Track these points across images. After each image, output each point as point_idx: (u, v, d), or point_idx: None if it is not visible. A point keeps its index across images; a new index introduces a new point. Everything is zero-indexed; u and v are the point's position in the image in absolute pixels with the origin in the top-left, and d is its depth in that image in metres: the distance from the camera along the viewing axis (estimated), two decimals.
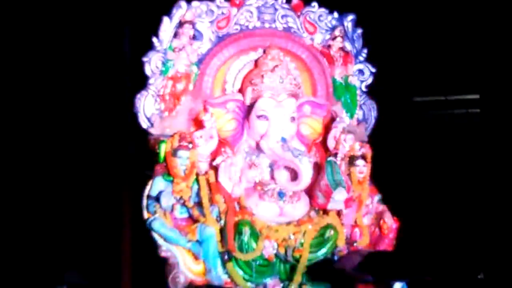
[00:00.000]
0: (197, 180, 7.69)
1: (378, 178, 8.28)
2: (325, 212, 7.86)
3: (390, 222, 8.06)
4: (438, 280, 7.15)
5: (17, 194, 10.02)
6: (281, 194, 7.76)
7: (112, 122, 9.06)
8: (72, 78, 9.81)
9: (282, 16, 8.35)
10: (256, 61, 8.14)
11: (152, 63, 7.90)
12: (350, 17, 8.56)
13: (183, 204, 7.63)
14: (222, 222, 7.63)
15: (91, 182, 9.65)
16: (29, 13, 9.79)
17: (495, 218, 10.68)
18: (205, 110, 7.88)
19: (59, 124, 9.94)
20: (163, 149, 7.74)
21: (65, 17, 9.76)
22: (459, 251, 9.63)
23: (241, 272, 7.57)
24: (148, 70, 7.90)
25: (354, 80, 8.51)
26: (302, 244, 7.66)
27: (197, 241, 7.56)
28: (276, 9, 8.33)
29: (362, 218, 8.07)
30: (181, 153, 7.60)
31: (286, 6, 8.36)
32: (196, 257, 7.57)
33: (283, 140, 7.81)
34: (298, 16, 8.39)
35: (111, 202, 9.29)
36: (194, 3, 8.03)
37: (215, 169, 7.75)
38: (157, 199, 7.59)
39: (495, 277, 7.46)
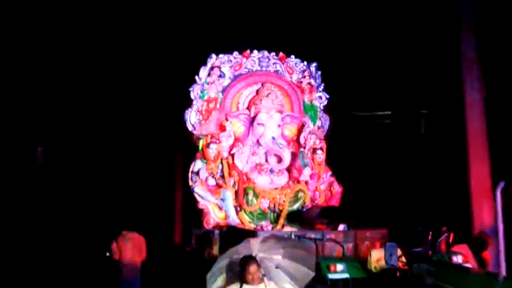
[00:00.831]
0: (221, 162, 7.75)
1: (330, 161, 8.32)
2: (298, 182, 7.90)
3: (337, 188, 8.13)
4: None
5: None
6: (272, 171, 7.83)
7: (172, 127, 8.83)
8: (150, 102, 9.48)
9: (273, 63, 8.34)
10: (257, 91, 8.14)
11: (194, 91, 7.92)
12: (314, 64, 8.52)
13: (213, 177, 7.70)
14: (236, 187, 7.68)
15: (158, 165, 9.36)
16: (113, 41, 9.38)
17: (399, 186, 10.56)
18: (226, 119, 7.94)
19: (137, 130, 9.57)
20: (201, 143, 7.81)
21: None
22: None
23: (247, 218, 7.61)
24: (192, 96, 7.93)
25: (316, 103, 8.46)
26: (284, 201, 7.72)
27: (221, 199, 7.62)
28: (269, 59, 8.32)
29: (320, 185, 8.10)
30: (212, 145, 7.67)
31: (275, 57, 8.35)
32: (220, 208, 7.62)
33: (273, 138, 7.89)
34: (283, 63, 8.37)
35: (169, 176, 9.05)
36: (220, 55, 8.06)
37: (232, 155, 7.79)
38: (197, 173, 7.66)
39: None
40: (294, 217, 7.65)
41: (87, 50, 9.19)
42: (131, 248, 7.78)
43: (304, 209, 7.76)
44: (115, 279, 7.36)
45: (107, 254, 7.59)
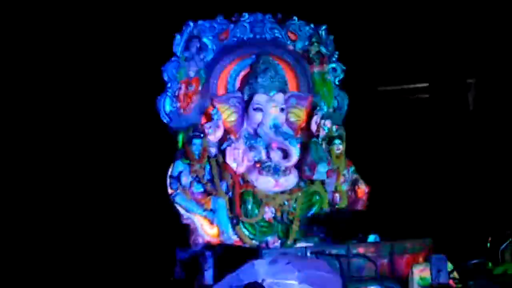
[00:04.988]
0: (208, 161, 7.77)
1: (351, 153, 8.35)
2: (312, 182, 7.92)
3: (363, 187, 8.14)
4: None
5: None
6: (276, 170, 7.84)
7: (141, 119, 8.92)
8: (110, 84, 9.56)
9: (270, 29, 8.36)
10: (251, 65, 8.15)
11: (168, 71, 7.93)
12: (323, 27, 8.55)
13: (199, 181, 7.70)
14: (230, 193, 7.70)
15: (124, 169, 9.43)
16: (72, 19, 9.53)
17: (444, 183, 10.61)
18: (212, 105, 7.94)
19: (104, 124, 9.66)
20: (181, 138, 7.82)
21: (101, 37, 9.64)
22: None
23: (247, 233, 7.63)
24: (165, 76, 7.94)
25: (329, 76, 8.48)
26: (294, 208, 7.75)
27: (211, 210, 7.63)
28: (264, 23, 8.34)
29: (340, 185, 8.12)
30: (195, 140, 7.67)
31: (272, 20, 8.38)
32: (211, 223, 7.63)
33: (275, 126, 7.88)
34: (283, 28, 8.40)
35: (141, 183, 9.13)
36: (199, 22, 8.08)
37: (223, 152, 7.80)
38: (178, 178, 7.64)
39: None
40: (309, 228, 7.70)
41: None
42: None
43: (323, 215, 7.79)
44: None
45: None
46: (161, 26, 8.68)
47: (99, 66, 9.50)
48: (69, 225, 9.33)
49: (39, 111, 9.49)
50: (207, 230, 7.64)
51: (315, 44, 8.42)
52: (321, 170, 7.87)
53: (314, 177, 7.89)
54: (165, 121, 7.95)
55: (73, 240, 9.30)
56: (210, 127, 7.82)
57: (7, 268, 8.93)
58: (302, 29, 8.48)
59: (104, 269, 8.28)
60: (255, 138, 7.98)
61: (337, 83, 8.60)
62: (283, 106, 8.01)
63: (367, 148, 9.49)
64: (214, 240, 7.60)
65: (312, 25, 8.51)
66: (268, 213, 7.71)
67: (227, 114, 7.99)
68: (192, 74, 7.95)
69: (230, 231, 7.63)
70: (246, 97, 8.02)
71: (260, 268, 4.98)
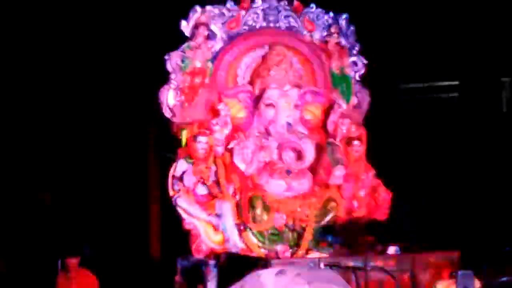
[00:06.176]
0: (214, 161, 7.74)
1: (372, 156, 8.30)
2: (327, 186, 7.89)
3: (383, 194, 8.11)
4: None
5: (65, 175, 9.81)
6: (288, 172, 7.79)
7: (142, 112, 9.02)
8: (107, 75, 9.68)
9: (285, 17, 8.36)
10: (263, 57, 8.14)
11: (172, 61, 7.91)
12: (344, 16, 8.54)
13: (203, 183, 7.68)
14: (237, 197, 7.69)
15: (122, 167, 9.56)
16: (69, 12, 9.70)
17: (473, 190, 10.64)
18: (220, 100, 7.93)
19: (100, 115, 9.79)
20: (185, 135, 7.83)
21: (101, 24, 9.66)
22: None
23: (255, 240, 7.60)
24: (169, 67, 7.92)
25: (349, 71, 8.48)
26: (307, 215, 7.70)
27: (216, 214, 7.62)
28: (279, 10, 8.34)
29: (359, 191, 8.08)
30: (200, 138, 7.66)
31: (287, 7, 8.37)
32: (215, 228, 7.62)
33: (289, 124, 7.89)
34: (299, 16, 8.40)
35: (140, 183, 9.24)
36: (207, 7, 8.07)
37: (230, 151, 7.78)
38: (181, 178, 7.64)
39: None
40: (323, 237, 7.68)
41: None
42: None
43: (338, 224, 7.77)
44: None
45: None
46: (165, 11, 8.72)
47: (95, 53, 9.58)
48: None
49: (29, 101, 9.61)
50: (211, 237, 7.63)
51: (334, 35, 8.42)
52: (338, 173, 7.85)
53: (330, 181, 7.87)
54: (168, 115, 7.94)
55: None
56: (217, 123, 7.76)
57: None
58: (320, 18, 8.48)
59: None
60: (266, 136, 7.95)
61: (357, 78, 8.60)
62: (298, 102, 8.00)
63: (389, 151, 9.46)
64: (219, 248, 7.59)
65: (331, 14, 8.50)
66: (279, 219, 7.68)
67: (236, 110, 7.99)
68: (198, 64, 7.94)
69: (236, 238, 7.60)
70: (257, 92, 8.01)
71: (266, 280, 4.90)
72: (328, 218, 7.77)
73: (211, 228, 7.63)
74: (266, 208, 7.61)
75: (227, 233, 7.58)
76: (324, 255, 7.26)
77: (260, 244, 7.61)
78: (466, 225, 9.94)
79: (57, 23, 9.71)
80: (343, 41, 8.49)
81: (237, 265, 6.92)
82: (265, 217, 7.60)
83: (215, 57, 8.07)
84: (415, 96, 12.02)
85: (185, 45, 7.94)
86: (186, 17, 7.99)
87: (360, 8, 9.22)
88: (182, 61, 7.91)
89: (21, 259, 9.30)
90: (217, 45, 8.11)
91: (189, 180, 7.62)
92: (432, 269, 6.85)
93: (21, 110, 9.81)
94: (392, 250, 7.16)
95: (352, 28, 8.58)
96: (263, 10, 8.29)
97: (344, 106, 8.32)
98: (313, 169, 7.93)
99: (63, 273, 8.26)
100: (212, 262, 7.30)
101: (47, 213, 9.72)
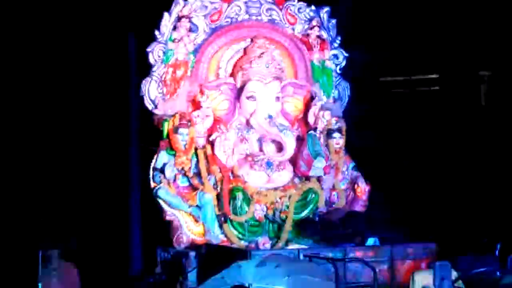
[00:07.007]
0: (196, 153, 7.77)
1: (352, 148, 8.35)
2: (307, 178, 7.93)
3: (363, 186, 8.15)
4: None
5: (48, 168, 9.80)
6: (269, 164, 7.83)
7: (123, 104, 8.98)
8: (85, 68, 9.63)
9: (267, 10, 8.34)
10: (245, 49, 8.15)
11: (154, 53, 7.91)
12: (326, 9, 8.54)
13: (184, 174, 7.73)
14: (218, 189, 7.71)
15: (103, 159, 9.50)
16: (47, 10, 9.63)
17: (452, 182, 10.66)
18: (202, 92, 7.92)
19: (82, 108, 9.76)
20: (166, 127, 7.81)
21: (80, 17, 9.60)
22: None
23: (235, 232, 7.64)
24: (151, 59, 7.91)
25: (330, 64, 8.48)
26: (287, 207, 7.74)
27: (197, 206, 7.64)
28: (261, 4, 8.32)
29: (339, 183, 8.15)
30: (181, 130, 7.67)
31: (270, 1, 8.35)
32: (196, 220, 7.65)
33: (270, 117, 7.88)
34: (281, 9, 8.38)
35: (121, 175, 9.18)
36: (190, 0, 8.03)
37: (211, 143, 7.80)
38: (162, 170, 7.64)
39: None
40: (303, 229, 7.68)
41: None
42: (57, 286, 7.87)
43: (318, 216, 7.78)
44: None
45: None
46: (146, 3, 8.67)
47: (77, 45, 9.52)
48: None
49: (12, 94, 9.55)
50: (192, 228, 7.66)
51: (316, 28, 8.41)
52: (318, 165, 7.86)
53: (310, 173, 7.89)
54: (149, 107, 7.93)
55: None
56: (198, 115, 7.79)
57: None
58: (302, 11, 8.47)
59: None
60: (247, 129, 7.98)
61: (338, 71, 8.61)
62: (279, 94, 8.00)
63: (369, 143, 9.48)
64: (199, 239, 7.61)
65: (313, 7, 8.50)
66: (259, 211, 7.71)
67: (217, 102, 7.98)
68: (180, 57, 7.93)
69: (217, 229, 7.64)
70: (239, 84, 8.01)
71: (247, 271, 4.98)
72: (308, 209, 7.82)
73: (192, 220, 7.65)
74: (247, 200, 7.65)
75: (208, 225, 7.62)
76: (304, 246, 7.28)
77: (240, 236, 7.64)
78: (444, 216, 9.99)
79: (35, 16, 9.62)
80: (324, 34, 8.49)
81: (218, 256, 6.96)
82: (246, 208, 7.62)
83: (197, 50, 8.05)
84: (397, 89, 12.03)
85: (167, 37, 7.92)
86: (168, 10, 7.95)
87: (341, 1, 9.21)
88: (164, 53, 7.90)
89: (2, 251, 9.26)
90: (199, 37, 8.09)
91: (170, 172, 7.63)
92: (411, 261, 6.90)
93: (3, 103, 9.75)
94: (370, 241, 7.21)
95: (333, 21, 8.58)
96: (245, 3, 8.28)
97: (324, 99, 8.35)
98: (293, 161, 7.95)
99: (44, 265, 8.24)
100: (192, 253, 7.35)
101: (29, 204, 9.68)
